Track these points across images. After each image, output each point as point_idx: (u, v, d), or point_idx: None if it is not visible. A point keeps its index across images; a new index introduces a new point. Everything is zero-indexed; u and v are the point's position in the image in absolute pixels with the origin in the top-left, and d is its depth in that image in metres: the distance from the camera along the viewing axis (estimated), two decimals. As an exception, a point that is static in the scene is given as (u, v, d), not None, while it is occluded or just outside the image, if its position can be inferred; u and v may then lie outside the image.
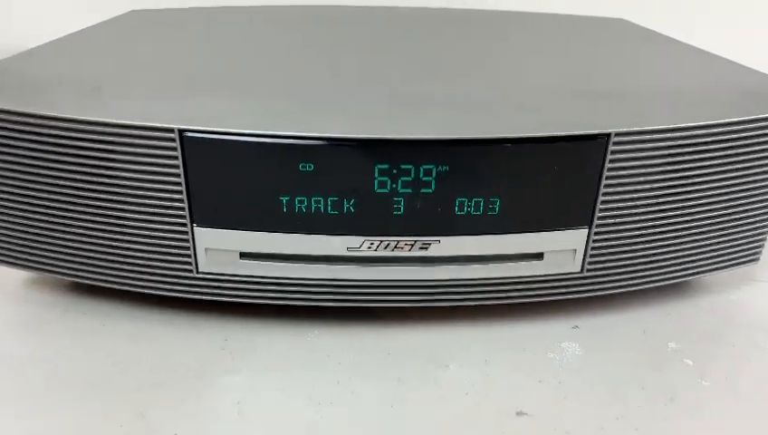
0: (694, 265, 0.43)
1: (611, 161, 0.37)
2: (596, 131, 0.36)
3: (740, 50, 0.59)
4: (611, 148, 0.36)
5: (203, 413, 0.35)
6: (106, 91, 0.37)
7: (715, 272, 0.44)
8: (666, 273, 0.42)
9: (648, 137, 0.37)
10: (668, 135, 0.37)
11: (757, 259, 0.45)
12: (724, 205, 0.41)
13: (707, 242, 0.42)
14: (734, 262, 0.44)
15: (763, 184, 0.41)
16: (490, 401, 0.37)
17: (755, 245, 0.44)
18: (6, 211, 0.39)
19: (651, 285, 0.43)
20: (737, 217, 0.41)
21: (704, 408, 0.37)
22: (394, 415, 0.36)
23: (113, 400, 0.36)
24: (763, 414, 0.37)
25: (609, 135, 0.36)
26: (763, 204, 0.42)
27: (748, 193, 0.41)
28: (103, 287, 0.41)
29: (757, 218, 0.42)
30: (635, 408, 0.37)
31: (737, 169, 0.39)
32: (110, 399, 0.36)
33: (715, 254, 0.43)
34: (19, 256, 0.41)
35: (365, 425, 0.35)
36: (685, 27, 0.69)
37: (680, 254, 0.42)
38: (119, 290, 0.41)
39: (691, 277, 0.44)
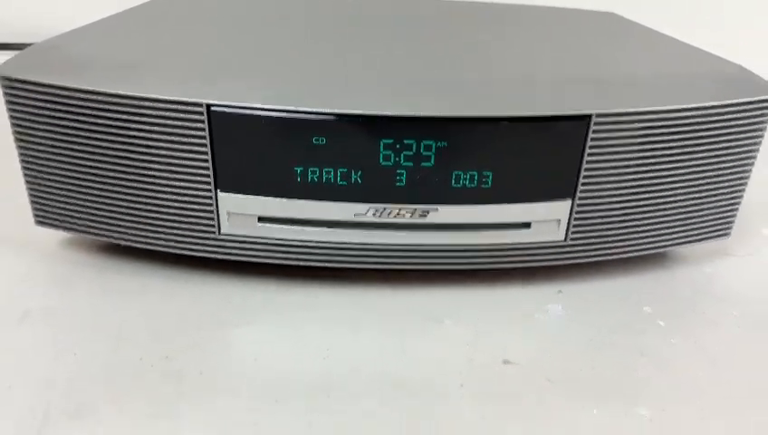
0: (669, 236, 0.47)
1: (593, 140, 0.41)
2: (579, 112, 0.40)
3: (720, 43, 0.63)
4: (593, 127, 0.41)
5: (224, 357, 0.40)
6: (141, 69, 0.42)
7: (688, 244, 0.48)
8: (643, 243, 0.47)
9: (626, 118, 0.41)
10: (645, 117, 0.41)
11: (728, 234, 0.49)
12: (695, 182, 0.45)
13: (681, 216, 0.46)
14: (706, 235, 0.48)
15: (731, 164, 0.45)
16: (480, 353, 0.41)
17: (726, 220, 0.48)
18: (48, 177, 0.44)
19: (629, 255, 0.47)
20: (708, 193, 0.46)
21: (670, 362, 0.41)
22: (397, 360, 0.40)
23: (143, 346, 0.41)
24: (724, 369, 0.41)
25: (590, 116, 0.40)
26: (732, 182, 0.46)
27: (717, 171, 0.45)
28: (135, 248, 0.46)
29: (726, 195, 0.46)
30: (608, 360, 0.41)
31: (707, 150, 0.44)
32: (140, 345, 0.41)
33: (689, 227, 0.47)
34: (59, 218, 0.46)
35: (373, 369, 0.39)
36: (670, 21, 0.73)
37: (656, 226, 0.46)
38: (149, 251, 0.46)
39: (666, 249, 0.48)
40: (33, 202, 0.46)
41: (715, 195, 0.46)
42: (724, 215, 0.48)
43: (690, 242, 0.48)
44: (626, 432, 0.36)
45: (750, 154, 0.45)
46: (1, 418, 0.35)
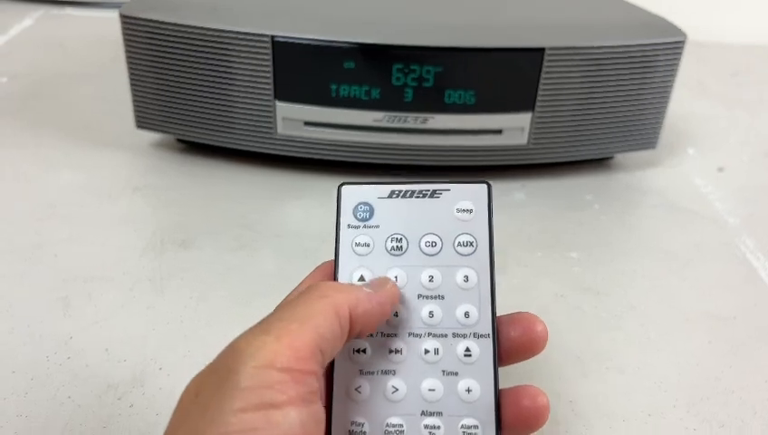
0: (608, 144, 0.63)
1: (546, 67, 0.57)
2: (536, 46, 0.56)
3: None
4: (546, 58, 0.56)
5: (283, 216, 0.57)
6: (223, 10, 0.58)
7: (624, 152, 0.64)
8: (588, 149, 0.62)
9: (571, 52, 0.56)
10: (586, 51, 0.57)
11: (654, 145, 0.65)
12: (626, 102, 0.60)
13: (618, 128, 0.62)
14: (638, 145, 0.64)
15: (653, 88, 0.60)
16: (462, 220, 0.58)
17: (653, 133, 0.64)
18: (150, 90, 0.60)
19: (577, 158, 0.63)
20: (637, 110, 0.61)
21: (598, 228, 0.58)
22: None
23: (224, 208, 0.57)
24: (635, 233, 0.58)
25: (544, 49, 0.56)
26: (655, 103, 0.61)
27: (643, 94, 0.60)
28: (210, 147, 0.62)
29: (651, 113, 0.62)
30: (554, 226, 0.58)
31: (634, 77, 0.59)
32: (222, 208, 0.57)
33: (624, 137, 0.63)
34: (156, 122, 0.62)
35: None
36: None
37: (598, 135, 0.62)
38: (221, 149, 0.62)
39: (606, 155, 0.64)
40: (136, 110, 0.62)
41: (642, 112, 0.61)
42: (651, 129, 0.63)
43: (626, 150, 0.64)
44: (559, 266, 0.53)
45: (667, 81, 0.60)
46: (135, 247, 0.52)
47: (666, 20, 0.63)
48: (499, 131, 0.60)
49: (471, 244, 0.30)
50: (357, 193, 0.31)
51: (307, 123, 0.59)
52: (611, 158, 0.69)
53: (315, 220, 0.57)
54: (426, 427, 0.28)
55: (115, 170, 0.63)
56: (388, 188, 0.31)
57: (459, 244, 0.30)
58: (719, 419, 0.39)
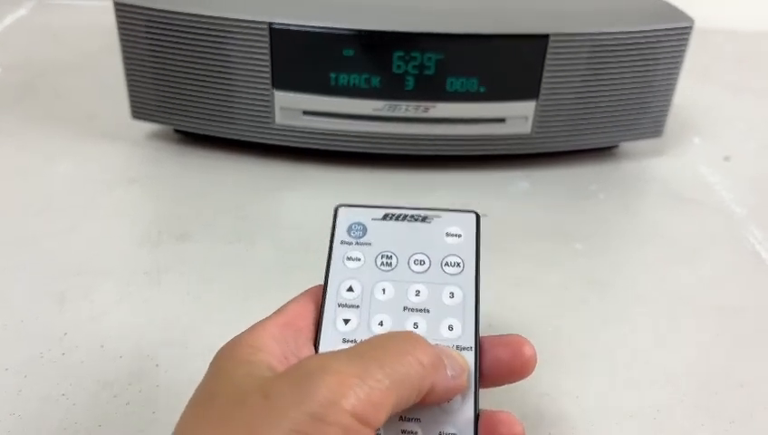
0: (613, 133, 0.62)
1: (550, 54, 0.55)
2: (540, 32, 0.55)
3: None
4: (551, 45, 0.55)
5: (280, 208, 0.56)
6: (218, -3, 0.56)
7: (629, 141, 0.63)
8: (592, 138, 0.61)
9: (576, 38, 0.55)
10: (590, 37, 0.55)
11: (660, 134, 0.63)
12: (631, 89, 0.59)
13: (622, 116, 0.61)
14: (643, 133, 0.63)
15: (659, 76, 0.59)
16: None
17: (658, 122, 0.62)
18: (145, 79, 0.59)
19: (582, 147, 0.62)
20: (642, 98, 0.60)
21: (603, 217, 0.57)
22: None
23: (219, 199, 0.56)
24: (640, 223, 0.57)
25: (548, 35, 0.55)
26: (661, 91, 0.60)
27: (649, 82, 0.59)
28: (206, 138, 0.61)
29: (657, 101, 0.61)
30: (558, 215, 0.57)
31: (640, 64, 0.58)
32: (217, 199, 0.56)
33: (629, 126, 0.62)
34: (152, 112, 0.61)
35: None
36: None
37: (602, 123, 0.61)
38: (218, 139, 0.61)
39: (611, 143, 0.63)
40: (131, 100, 0.61)
41: (648, 100, 0.60)
42: (657, 117, 0.62)
43: (631, 139, 0.63)
44: (564, 257, 0.52)
45: (673, 69, 0.59)
46: (131, 239, 0.51)
47: (672, 5, 0.61)
48: (502, 120, 0.59)
49: (458, 264, 0.31)
50: (352, 214, 0.33)
51: (306, 113, 0.58)
52: (616, 147, 0.67)
53: (313, 211, 0.56)
54: (403, 432, 0.27)
55: (111, 162, 0.62)
56: (382, 211, 0.33)
57: (447, 264, 0.31)
58: (729, 414, 0.38)
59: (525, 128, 0.59)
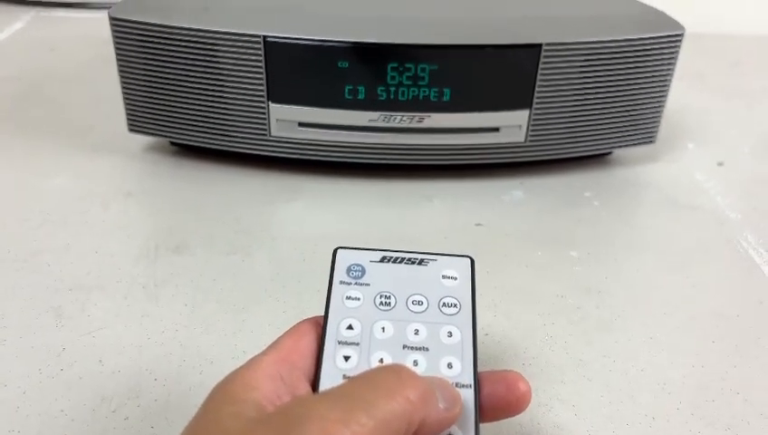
0: (606, 140, 0.62)
1: (543, 63, 0.56)
2: (533, 42, 0.55)
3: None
4: (543, 53, 0.55)
5: (276, 218, 0.56)
6: (214, 10, 0.56)
7: (622, 147, 0.64)
8: (586, 145, 0.62)
9: (568, 47, 0.55)
10: (583, 46, 0.56)
11: (653, 140, 0.64)
12: (624, 96, 0.59)
13: (615, 123, 0.61)
14: (636, 140, 0.63)
15: (650, 82, 0.59)
16: (459, 218, 0.57)
17: (651, 128, 0.63)
18: (142, 93, 0.59)
19: (575, 155, 0.62)
20: (635, 105, 0.60)
21: (597, 225, 0.57)
22: (399, 224, 0.56)
23: (217, 212, 0.57)
24: (635, 230, 0.57)
25: (541, 45, 0.55)
26: (653, 97, 0.61)
27: (641, 89, 0.60)
28: (202, 150, 0.61)
29: (649, 108, 0.61)
30: (553, 224, 0.57)
31: (632, 71, 0.58)
32: (214, 211, 0.57)
33: (622, 133, 0.62)
34: (148, 125, 0.61)
35: (382, 229, 0.55)
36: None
37: (595, 131, 0.61)
38: (213, 151, 0.61)
39: (604, 151, 0.63)
40: (128, 113, 0.61)
41: (641, 107, 0.61)
42: (650, 123, 0.62)
43: (624, 145, 0.63)
44: (559, 265, 0.52)
45: (665, 75, 0.60)
46: (128, 253, 0.51)
47: (663, 13, 0.62)
48: (496, 129, 0.59)
49: (455, 305, 0.32)
50: (351, 256, 0.34)
51: (301, 124, 0.59)
52: (610, 153, 0.68)
53: (310, 223, 0.56)
54: None
55: (107, 175, 0.62)
56: (380, 254, 0.34)
57: (444, 304, 0.32)
58: (724, 421, 0.39)
59: (519, 137, 0.60)
